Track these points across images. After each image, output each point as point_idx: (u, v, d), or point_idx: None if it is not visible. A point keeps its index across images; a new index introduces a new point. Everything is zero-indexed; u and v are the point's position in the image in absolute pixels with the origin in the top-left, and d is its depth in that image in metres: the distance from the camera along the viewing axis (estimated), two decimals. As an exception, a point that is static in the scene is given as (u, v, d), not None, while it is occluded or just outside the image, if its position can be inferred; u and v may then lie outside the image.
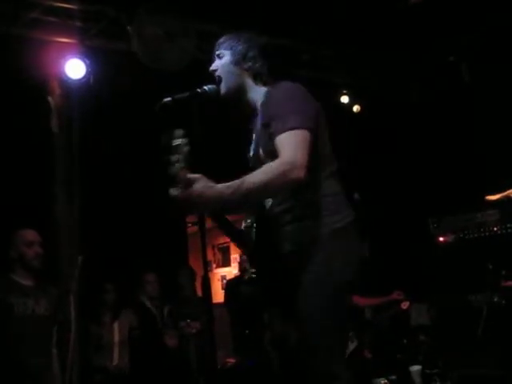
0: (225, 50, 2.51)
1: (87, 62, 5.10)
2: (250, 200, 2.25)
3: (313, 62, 6.47)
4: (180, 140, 2.08)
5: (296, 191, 2.29)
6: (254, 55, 2.50)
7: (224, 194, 2.12)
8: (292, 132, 2.20)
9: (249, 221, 2.44)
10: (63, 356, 3.82)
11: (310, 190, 2.30)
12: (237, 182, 2.14)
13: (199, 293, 5.90)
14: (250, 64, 2.49)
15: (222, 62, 2.49)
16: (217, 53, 2.53)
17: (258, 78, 2.50)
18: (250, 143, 2.54)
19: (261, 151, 2.38)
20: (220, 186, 2.15)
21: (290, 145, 2.19)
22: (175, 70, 5.12)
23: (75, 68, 5.09)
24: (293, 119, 2.23)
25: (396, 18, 5.64)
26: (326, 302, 2.23)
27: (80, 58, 5.10)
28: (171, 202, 2.10)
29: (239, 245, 2.53)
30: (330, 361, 2.22)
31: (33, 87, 4.94)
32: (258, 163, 2.34)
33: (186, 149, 2.08)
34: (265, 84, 2.50)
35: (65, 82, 5.12)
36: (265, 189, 2.15)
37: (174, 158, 2.07)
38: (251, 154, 2.51)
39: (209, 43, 2.96)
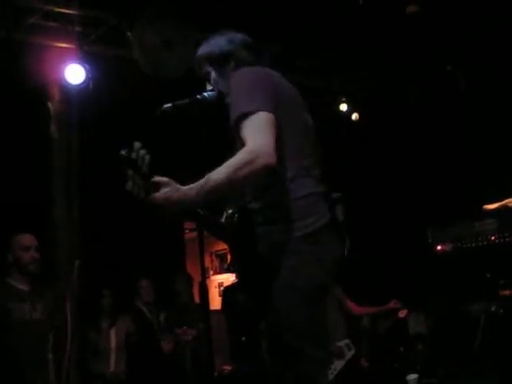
0: (207, 68, 2.43)
1: (87, 67, 5.08)
2: (218, 198, 2.09)
3: (309, 66, 6.47)
4: (139, 152, 2.02)
5: (263, 191, 2.20)
6: (230, 51, 2.40)
7: (188, 196, 2.04)
8: (250, 118, 2.07)
9: (230, 211, 2.34)
10: (59, 362, 3.82)
11: (277, 191, 2.19)
12: (201, 181, 2.03)
13: (196, 299, 5.89)
14: (232, 63, 2.39)
15: (213, 81, 2.43)
16: (203, 74, 2.45)
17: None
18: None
19: (238, 145, 2.22)
20: (185, 187, 2.06)
21: (251, 132, 2.06)
22: (175, 77, 5.12)
23: (75, 73, 5.06)
24: (246, 104, 2.10)
25: (394, 21, 5.65)
26: (294, 310, 2.13)
27: (80, 64, 5.08)
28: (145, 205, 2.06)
29: (221, 239, 2.47)
30: (305, 368, 2.15)
31: (32, 92, 4.94)
32: None
33: (147, 158, 2.03)
34: None
35: (64, 88, 5.12)
36: (230, 183, 2.01)
37: (130, 172, 2.01)
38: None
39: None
